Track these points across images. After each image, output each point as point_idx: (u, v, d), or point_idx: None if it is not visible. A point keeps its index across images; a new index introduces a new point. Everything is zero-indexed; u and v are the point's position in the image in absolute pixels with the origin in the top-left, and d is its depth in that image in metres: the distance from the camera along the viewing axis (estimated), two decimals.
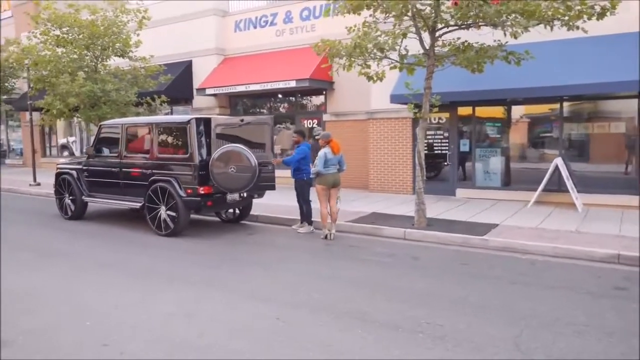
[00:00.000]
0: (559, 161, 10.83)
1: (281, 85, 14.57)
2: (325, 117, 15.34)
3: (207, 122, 8.98)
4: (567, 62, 10.59)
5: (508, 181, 12.42)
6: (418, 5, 8.74)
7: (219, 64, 17.04)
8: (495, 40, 9.08)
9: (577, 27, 8.24)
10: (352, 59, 9.37)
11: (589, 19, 8.14)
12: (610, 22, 9.34)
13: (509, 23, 8.36)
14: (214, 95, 16.67)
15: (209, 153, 8.80)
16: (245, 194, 9.42)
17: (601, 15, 8.32)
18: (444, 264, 7.19)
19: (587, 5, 8.14)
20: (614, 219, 9.47)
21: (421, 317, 5.00)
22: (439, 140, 13.17)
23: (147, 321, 4.97)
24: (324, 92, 15.34)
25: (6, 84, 20.34)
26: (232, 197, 9.22)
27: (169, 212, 8.91)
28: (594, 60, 10.38)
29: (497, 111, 12.60)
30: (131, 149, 9.86)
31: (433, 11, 8.84)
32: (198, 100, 17.36)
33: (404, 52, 9.22)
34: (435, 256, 7.59)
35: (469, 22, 8.91)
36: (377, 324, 4.87)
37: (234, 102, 17.45)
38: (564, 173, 10.73)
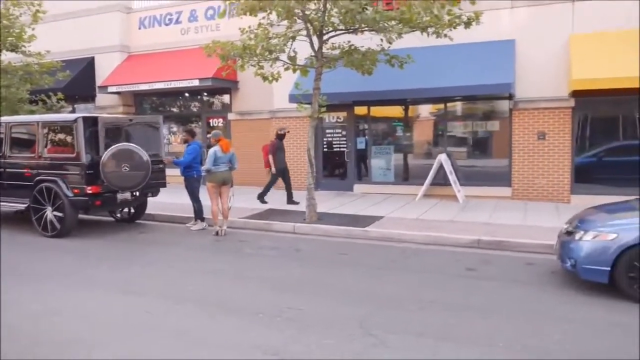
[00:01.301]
0: (442, 157, 11.64)
1: (185, 84, 14.57)
2: (230, 116, 15.49)
3: (95, 120, 8.91)
4: (449, 65, 11.40)
5: (403, 177, 13.16)
6: (306, 10, 9.15)
7: (122, 62, 16.72)
8: (377, 45, 9.64)
9: (445, 35, 8.99)
10: (244, 60, 9.63)
11: (454, 27, 8.88)
12: (485, 30, 10.32)
13: (386, 29, 8.93)
14: (118, 93, 16.35)
15: (97, 152, 8.74)
16: (137, 193, 9.43)
17: (468, 24, 9.14)
18: (323, 254, 7.64)
19: (454, 15, 8.90)
20: (487, 209, 10.36)
21: (285, 303, 5.37)
22: (338, 138, 13.71)
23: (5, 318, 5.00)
24: (229, 92, 15.49)
25: None
26: (123, 196, 9.21)
27: (55, 212, 8.77)
28: (472, 64, 11.25)
29: (391, 111, 13.31)
30: (16, 148, 9.58)
31: (319, 15, 9.28)
32: (101, 99, 16.94)
33: (292, 54, 9.57)
34: (317, 248, 8.03)
35: (354, 27, 9.42)
36: (241, 311, 5.19)
37: (139, 101, 17.18)
38: (447, 168, 11.55)
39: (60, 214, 8.72)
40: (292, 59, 9.62)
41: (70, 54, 16.73)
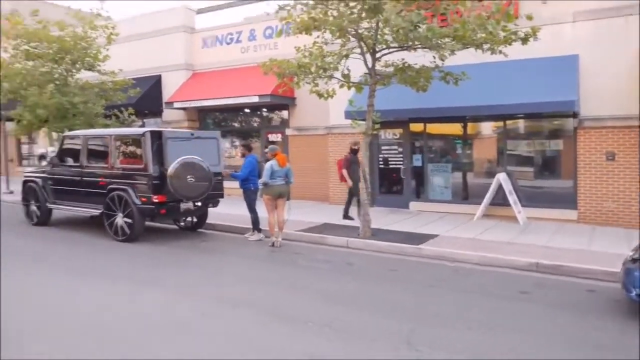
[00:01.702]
0: (501, 176, 11.46)
1: (245, 100, 15.13)
2: (288, 132, 15.90)
3: (160, 134, 9.48)
4: (508, 82, 11.26)
5: (461, 195, 13.04)
6: (359, 29, 9.38)
7: (187, 79, 17.56)
8: (431, 62, 9.70)
9: (500, 52, 8.95)
10: (300, 78, 9.95)
11: (509, 44, 8.83)
12: (545, 45, 10.18)
13: (439, 46, 8.99)
14: (183, 109, 17.16)
15: (162, 164, 9.27)
16: (199, 204, 9.90)
17: (525, 40, 9.04)
18: (374, 269, 7.75)
19: (510, 31, 8.84)
20: (549, 232, 10.07)
21: (334, 314, 5.54)
22: (394, 155, 13.78)
23: (76, 313, 5.43)
24: (287, 108, 15.93)
25: None
26: (186, 206, 9.70)
27: (125, 219, 9.36)
28: (533, 80, 11.06)
29: (448, 128, 13.26)
30: (91, 158, 10.30)
31: (372, 34, 9.47)
32: (168, 114, 17.83)
33: (346, 72, 9.80)
34: (369, 263, 8.14)
35: (407, 44, 9.53)
36: (292, 319, 5.40)
37: (203, 116, 17.94)
38: (507, 188, 11.36)
39: (129, 220, 9.30)
40: (346, 76, 9.84)
41: (140, 72, 17.76)
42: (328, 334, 4.97)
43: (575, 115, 11.12)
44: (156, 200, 9.21)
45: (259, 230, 9.87)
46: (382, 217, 11.74)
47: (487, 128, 12.98)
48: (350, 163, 11.45)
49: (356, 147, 11.57)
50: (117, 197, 9.48)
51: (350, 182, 11.27)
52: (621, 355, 4.55)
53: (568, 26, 11.35)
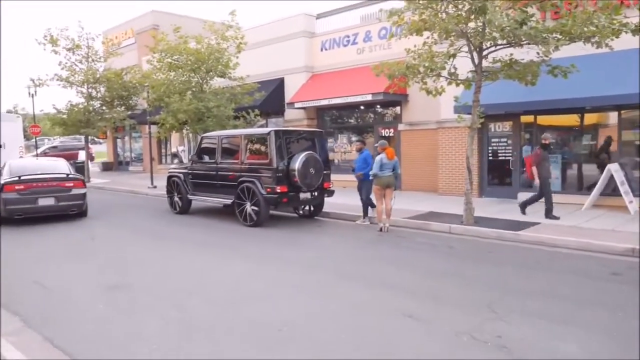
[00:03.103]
0: (613, 167, 11.38)
1: (359, 98, 16.22)
2: (400, 127, 16.72)
3: (280, 133, 10.96)
4: (617, 73, 11.14)
5: (570, 185, 13.03)
6: (466, 29, 9.97)
7: (307, 80, 19.05)
8: (537, 57, 10.00)
9: (606, 45, 9.04)
10: (410, 78, 10.78)
11: (617, 36, 8.90)
12: None
13: (546, 41, 9.31)
14: (303, 108, 18.66)
15: (282, 158, 10.67)
16: (316, 193, 11.17)
17: (635, 31, 9.04)
18: (471, 252, 8.43)
19: (619, 22, 8.90)
20: None
21: (428, 285, 6.40)
22: (504, 147, 14.05)
23: (222, 281, 6.84)
24: (400, 104, 16.74)
25: (130, 102, 23.84)
26: (305, 195, 11.01)
27: (253, 207, 10.87)
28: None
29: (558, 119, 13.28)
30: (224, 155, 12.00)
31: (478, 33, 10.00)
32: (289, 113, 19.47)
33: (452, 71, 10.44)
34: (469, 246, 8.82)
35: (513, 41, 9.94)
36: (393, 287, 6.35)
37: (321, 114, 19.34)
38: (618, 178, 11.27)
39: (256, 208, 10.79)
40: (453, 74, 10.48)
41: (264, 76, 19.58)
42: (422, 299, 5.86)
43: None
44: (279, 191, 10.60)
45: (366, 215, 11.02)
46: (489, 207, 12.20)
47: (600, 118, 12.80)
48: (541, 159, 10.85)
49: (547, 142, 11.08)
50: (246, 188, 11.02)
51: (537, 180, 10.77)
52: None
53: None
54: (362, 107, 18.18)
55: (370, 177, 10.47)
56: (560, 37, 9.27)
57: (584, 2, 9.51)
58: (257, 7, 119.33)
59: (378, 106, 17.65)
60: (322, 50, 18.98)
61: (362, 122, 18.63)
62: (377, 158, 10.17)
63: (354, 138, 18.45)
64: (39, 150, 29.42)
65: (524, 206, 11.26)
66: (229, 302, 5.92)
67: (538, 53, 9.67)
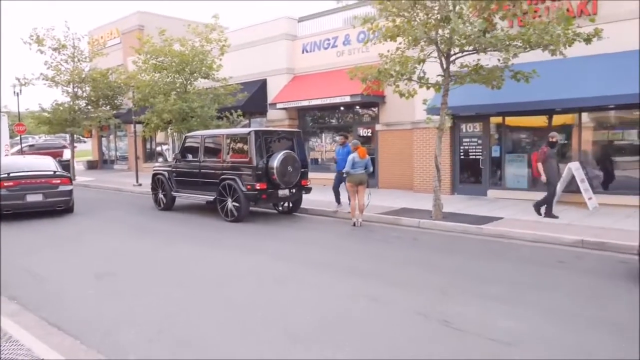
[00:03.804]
0: (573, 165, 12.14)
1: (338, 100, 16.88)
2: (378, 127, 17.40)
3: (260, 133, 11.55)
4: (580, 77, 11.92)
5: (536, 183, 13.78)
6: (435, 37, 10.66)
7: (289, 82, 19.65)
8: (499, 60, 10.70)
9: (560, 53, 9.80)
10: (382, 81, 11.45)
11: (569, 45, 9.66)
12: (620, 40, 10.76)
13: (506, 49, 10.04)
14: (285, 109, 19.26)
15: (261, 156, 11.27)
16: (294, 190, 11.79)
17: (588, 40, 9.81)
18: (434, 244, 9.12)
19: (573, 33, 9.66)
20: (617, 216, 10.73)
21: (389, 271, 7.06)
22: (474, 147, 14.79)
23: (202, 268, 7.43)
24: (377, 105, 17.41)
25: (115, 101, 24.23)
26: (283, 192, 11.61)
27: (234, 203, 11.45)
28: (601, 75, 11.65)
29: (525, 120, 14.06)
30: (207, 154, 12.55)
31: (446, 39, 10.68)
32: (271, 114, 20.06)
33: (422, 75, 11.11)
34: (433, 239, 9.50)
35: (478, 48, 10.63)
36: (359, 274, 6.98)
37: (302, 115, 19.95)
38: (578, 176, 12.03)
39: (237, 204, 11.37)
40: (422, 78, 11.15)
41: (248, 77, 20.17)
42: (382, 283, 6.49)
43: None
44: (258, 188, 11.19)
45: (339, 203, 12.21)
46: (460, 203, 12.92)
47: (562, 120, 13.56)
48: (547, 157, 10.76)
49: (554, 140, 10.96)
50: (227, 186, 11.59)
51: (544, 177, 10.76)
52: (599, 304, 5.60)
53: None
54: (342, 108, 18.84)
55: (344, 175, 11.11)
56: (520, 44, 10.00)
57: (541, 15, 10.28)
58: (241, 8, 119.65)
59: (357, 107, 18.31)
60: (303, 52, 19.59)
61: (342, 122, 19.28)
62: (350, 157, 10.81)
63: (337, 138, 19.14)
64: (12, 150, 29.10)
65: (538, 206, 11.12)
66: (208, 287, 6.50)
67: (499, 60, 10.37)
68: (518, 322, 5.17)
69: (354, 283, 6.62)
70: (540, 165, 10.80)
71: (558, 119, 13.53)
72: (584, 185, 12.04)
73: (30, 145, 35.35)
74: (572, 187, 12.32)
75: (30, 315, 5.55)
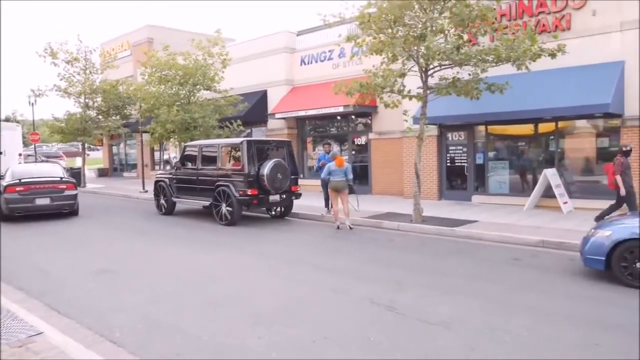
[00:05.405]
0: (548, 172, 12.84)
1: (332, 110, 17.72)
2: (371, 136, 18.21)
3: (252, 142, 12.40)
4: (556, 88, 12.61)
5: (517, 189, 14.51)
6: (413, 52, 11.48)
7: (287, 93, 20.55)
8: (469, 74, 11.47)
9: (526, 67, 10.58)
10: (366, 94, 12.29)
11: (534, 60, 10.43)
12: (593, 53, 11.53)
13: (477, 64, 10.84)
14: (283, 118, 20.15)
15: (253, 164, 12.12)
16: (284, 196, 12.63)
17: (553, 55, 10.58)
18: (408, 244, 9.91)
19: (539, 48, 10.43)
20: (586, 219, 11.24)
21: (357, 267, 7.87)
22: (460, 154, 15.53)
23: (195, 266, 8.28)
24: (370, 115, 18.23)
25: (124, 111, 25.32)
26: (274, 197, 12.46)
27: (227, 208, 12.30)
28: (576, 86, 12.34)
29: (507, 129, 14.78)
30: (204, 162, 13.45)
31: (426, 53, 11.48)
32: (271, 123, 20.96)
33: (401, 88, 11.91)
34: (407, 240, 10.28)
35: (453, 62, 11.42)
36: (330, 269, 7.79)
37: (300, 124, 20.83)
38: (554, 182, 12.73)
39: (230, 209, 12.23)
40: (401, 91, 11.95)
41: (249, 89, 21.12)
42: (349, 277, 7.29)
43: (619, 115, 12.21)
44: (250, 193, 12.04)
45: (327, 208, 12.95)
46: (444, 207, 13.67)
47: (541, 128, 14.22)
48: (624, 168, 10.30)
49: (628, 149, 10.56)
50: (221, 192, 12.46)
51: (623, 191, 10.20)
52: (535, 294, 6.34)
53: (617, 35, 12.41)
54: (338, 118, 19.67)
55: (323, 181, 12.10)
56: (491, 59, 10.79)
57: (517, 31, 11.06)
58: (244, 20, 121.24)
59: (352, 116, 19.13)
60: (301, 64, 20.49)
61: (339, 131, 20.12)
62: (326, 166, 11.73)
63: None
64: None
65: (601, 218, 10.33)
66: (201, 282, 7.34)
67: (470, 74, 11.16)
68: (456, 308, 5.93)
69: (320, 276, 7.43)
70: (618, 178, 10.24)
71: (542, 127, 14.19)
72: (559, 190, 12.74)
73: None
74: (550, 193, 13.02)
75: (35, 301, 6.42)
